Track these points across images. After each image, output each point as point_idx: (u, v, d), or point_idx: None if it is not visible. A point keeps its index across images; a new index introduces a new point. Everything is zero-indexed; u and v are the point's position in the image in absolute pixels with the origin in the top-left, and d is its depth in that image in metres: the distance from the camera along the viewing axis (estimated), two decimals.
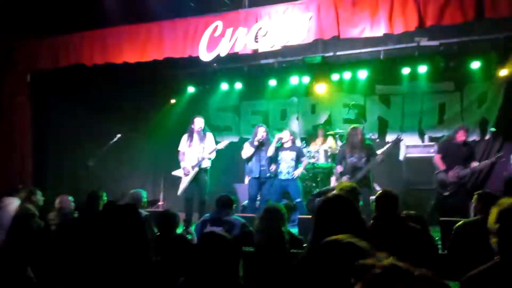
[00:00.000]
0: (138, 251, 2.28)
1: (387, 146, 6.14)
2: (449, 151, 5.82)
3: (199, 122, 6.23)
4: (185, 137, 6.30)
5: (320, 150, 7.38)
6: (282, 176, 6.19)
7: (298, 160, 6.27)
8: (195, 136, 6.21)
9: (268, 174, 6.26)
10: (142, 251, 2.30)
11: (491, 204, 3.53)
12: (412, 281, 1.09)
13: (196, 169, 6.09)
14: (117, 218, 2.28)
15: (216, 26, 5.32)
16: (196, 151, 6.17)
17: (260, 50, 5.28)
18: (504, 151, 6.18)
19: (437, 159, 5.92)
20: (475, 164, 5.69)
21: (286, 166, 6.18)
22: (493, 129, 6.80)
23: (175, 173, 6.30)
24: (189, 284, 2.03)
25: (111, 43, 5.90)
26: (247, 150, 6.29)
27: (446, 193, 5.71)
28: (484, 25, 5.35)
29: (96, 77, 6.74)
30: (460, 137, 5.76)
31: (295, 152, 6.23)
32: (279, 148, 6.29)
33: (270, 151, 6.20)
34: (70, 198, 4.59)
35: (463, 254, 3.26)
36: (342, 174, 5.84)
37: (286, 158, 6.20)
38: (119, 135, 6.65)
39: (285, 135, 6.28)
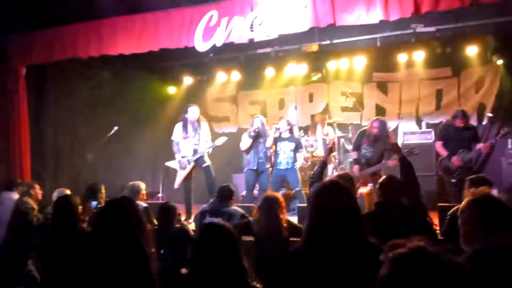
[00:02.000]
0: (137, 244, 2.29)
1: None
2: (450, 136, 5.69)
3: (193, 112, 6.07)
4: (179, 126, 6.16)
5: (318, 139, 7.39)
6: (281, 167, 6.19)
7: (296, 151, 6.27)
8: (189, 126, 6.13)
9: (266, 166, 6.27)
10: (141, 244, 2.31)
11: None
12: (435, 264, 1.11)
13: (193, 163, 6.05)
14: (114, 211, 2.29)
15: (211, 16, 5.27)
16: (191, 142, 6.10)
17: (256, 40, 5.24)
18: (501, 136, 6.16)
19: (439, 146, 5.78)
20: (479, 146, 5.58)
21: (286, 157, 6.18)
22: (489, 114, 6.81)
23: (169, 164, 6.25)
24: (193, 276, 2.03)
25: (106, 35, 5.84)
26: (245, 141, 6.29)
27: (454, 180, 5.54)
28: (480, 10, 5.32)
29: (93, 69, 6.71)
30: (459, 123, 5.67)
31: (294, 143, 6.22)
32: (278, 138, 6.29)
33: (269, 142, 6.20)
34: (68, 191, 4.58)
35: (458, 239, 3.29)
36: (356, 161, 5.71)
37: (285, 149, 6.21)
38: (116, 127, 6.64)
39: (282, 125, 6.27)
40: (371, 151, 5.59)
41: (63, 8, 5.91)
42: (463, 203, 1.98)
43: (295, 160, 6.21)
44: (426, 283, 1.09)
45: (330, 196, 2.07)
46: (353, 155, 5.83)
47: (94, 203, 4.21)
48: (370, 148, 5.61)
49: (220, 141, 6.12)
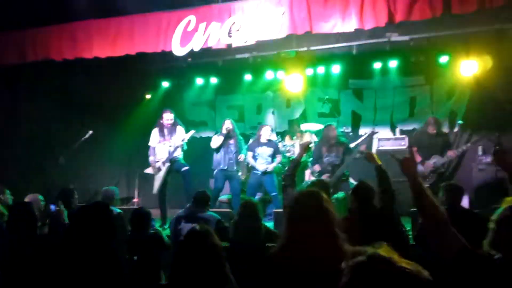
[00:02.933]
0: (110, 250, 2.26)
1: (361, 139, 6.21)
2: (423, 143, 5.90)
3: (167, 116, 6.11)
4: (155, 131, 6.18)
5: (295, 144, 7.44)
6: (258, 172, 6.22)
7: (274, 156, 6.32)
8: (165, 130, 6.13)
9: (235, 168, 6.29)
10: (114, 250, 2.28)
11: (457, 195, 3.68)
12: (392, 272, 1.12)
13: (168, 164, 6.01)
14: (88, 217, 2.25)
15: (189, 21, 5.27)
16: (166, 146, 6.09)
17: (233, 45, 5.27)
18: (472, 143, 6.34)
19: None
20: (451, 153, 5.77)
21: (263, 162, 6.23)
22: (460, 122, 7.00)
23: (147, 171, 6.22)
24: (173, 285, 1.99)
25: (81, 38, 5.77)
26: (216, 140, 6.34)
27: (426, 185, 5.74)
28: (453, 21, 5.48)
29: (67, 72, 6.58)
30: (431, 129, 5.86)
31: (272, 149, 6.28)
32: (257, 143, 6.34)
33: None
34: (40, 197, 4.47)
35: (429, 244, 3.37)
36: (321, 172, 5.86)
37: (263, 154, 6.25)
38: (91, 132, 6.53)
39: (266, 132, 6.32)
40: (333, 155, 5.72)
41: (36, 9, 5.79)
42: (505, 212, 1.83)
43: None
44: None
45: (307, 206, 2.07)
46: (316, 168, 5.95)
47: (52, 207, 4.15)
48: (331, 153, 5.74)
49: (188, 136, 6.13)
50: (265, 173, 6.22)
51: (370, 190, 3.35)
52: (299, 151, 4.12)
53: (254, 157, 6.29)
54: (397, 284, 1.10)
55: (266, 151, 6.25)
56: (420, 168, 5.82)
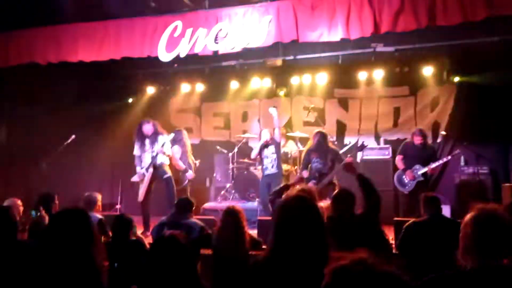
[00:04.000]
0: (88, 257, 2.21)
1: (347, 148, 6.27)
2: (409, 153, 6.09)
3: (146, 128, 6.03)
4: (137, 142, 6.12)
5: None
6: (268, 172, 6.27)
7: (277, 151, 6.32)
8: (147, 140, 6.07)
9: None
10: (92, 257, 2.23)
11: (434, 206, 3.73)
12: (374, 276, 1.12)
13: (151, 170, 5.95)
14: (64, 223, 2.20)
15: (176, 26, 5.25)
16: (149, 154, 6.04)
17: (220, 52, 5.26)
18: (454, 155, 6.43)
19: (398, 160, 6.20)
20: (433, 164, 5.93)
21: (270, 161, 6.27)
22: (443, 133, 7.11)
23: (134, 179, 6.15)
24: None
25: (65, 41, 5.69)
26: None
27: (406, 192, 6.02)
28: (437, 33, 5.58)
29: (51, 75, 6.49)
30: (417, 140, 6.01)
31: (273, 146, 6.31)
32: (263, 147, 6.36)
33: (253, 154, 6.37)
34: (19, 201, 4.37)
35: (412, 252, 3.41)
36: (308, 179, 5.87)
37: (268, 153, 6.29)
38: (73, 136, 6.44)
39: (265, 135, 6.34)
40: (322, 162, 5.79)
41: (20, 11, 5.70)
42: (469, 216, 1.87)
43: (278, 161, 6.25)
44: None
45: (296, 211, 2.05)
46: (304, 174, 5.99)
47: (33, 213, 4.07)
48: (319, 159, 5.84)
49: (169, 137, 6.10)
50: (271, 175, 6.23)
51: (351, 197, 3.36)
52: (294, 180, 4.09)
53: (261, 159, 6.39)
54: (379, 286, 1.10)
55: (270, 149, 6.30)
56: (401, 174, 6.09)
